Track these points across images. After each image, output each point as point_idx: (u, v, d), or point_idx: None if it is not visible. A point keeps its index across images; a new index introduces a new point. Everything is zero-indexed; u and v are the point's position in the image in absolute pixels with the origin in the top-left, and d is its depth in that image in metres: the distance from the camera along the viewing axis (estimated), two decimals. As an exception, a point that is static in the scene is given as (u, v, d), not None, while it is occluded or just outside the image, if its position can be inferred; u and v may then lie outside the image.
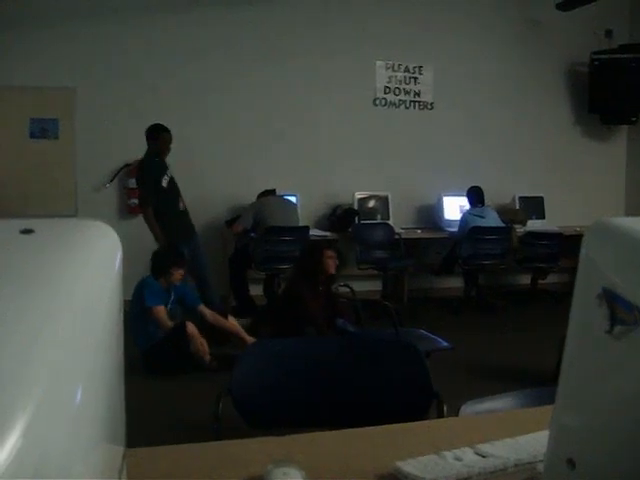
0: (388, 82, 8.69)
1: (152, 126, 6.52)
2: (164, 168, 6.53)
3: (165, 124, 6.52)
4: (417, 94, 8.79)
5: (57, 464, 0.58)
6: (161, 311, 5.56)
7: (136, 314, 5.41)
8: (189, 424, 4.02)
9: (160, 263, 5.73)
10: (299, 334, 5.16)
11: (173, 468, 1.35)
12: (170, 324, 5.55)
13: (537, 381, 4.34)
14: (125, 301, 0.89)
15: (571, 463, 1.01)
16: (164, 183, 6.47)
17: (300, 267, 5.72)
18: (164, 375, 5.28)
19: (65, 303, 0.68)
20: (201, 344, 5.41)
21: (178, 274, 5.69)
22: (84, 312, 0.71)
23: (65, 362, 0.63)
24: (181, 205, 6.61)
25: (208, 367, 5.32)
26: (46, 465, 0.56)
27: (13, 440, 0.51)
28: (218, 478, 1.31)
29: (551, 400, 1.09)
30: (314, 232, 7.61)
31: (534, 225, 8.40)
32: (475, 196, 8.03)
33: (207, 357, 5.42)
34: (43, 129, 7.63)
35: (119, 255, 0.88)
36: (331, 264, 5.52)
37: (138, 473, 1.05)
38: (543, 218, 8.74)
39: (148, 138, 6.50)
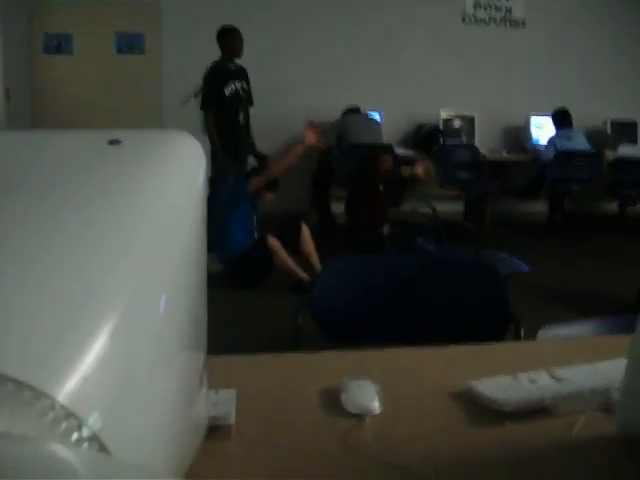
0: (478, -3, 8.40)
1: (219, 29, 6.33)
2: (230, 75, 6.27)
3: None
4: (508, 10, 8.47)
5: (142, 370, 0.61)
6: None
7: (220, 227, 5.47)
8: (269, 336, 4.12)
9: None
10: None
11: (252, 376, 1.39)
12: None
13: (618, 309, 4.28)
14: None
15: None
16: (227, 92, 6.22)
17: (358, 175, 5.90)
18: (246, 288, 5.38)
19: (149, 214, 0.70)
20: (286, 258, 5.45)
21: (268, 197, 5.75)
22: (168, 223, 0.73)
23: (149, 272, 0.66)
24: (241, 119, 6.33)
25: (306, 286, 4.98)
26: (132, 370, 0.59)
27: (100, 345, 0.54)
28: (294, 387, 1.35)
29: (631, 329, 1.08)
30: (398, 151, 7.50)
31: (625, 151, 8.09)
32: (562, 119, 7.78)
33: (297, 271, 5.42)
34: (129, 44, 7.70)
35: (203, 167, 0.89)
36: (386, 164, 5.65)
37: (218, 380, 1.09)
38: (635, 143, 8.42)
39: (218, 42, 6.30)
